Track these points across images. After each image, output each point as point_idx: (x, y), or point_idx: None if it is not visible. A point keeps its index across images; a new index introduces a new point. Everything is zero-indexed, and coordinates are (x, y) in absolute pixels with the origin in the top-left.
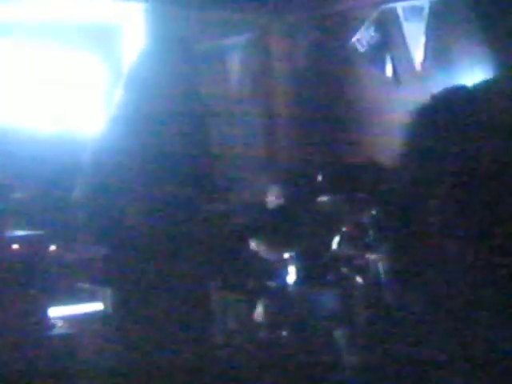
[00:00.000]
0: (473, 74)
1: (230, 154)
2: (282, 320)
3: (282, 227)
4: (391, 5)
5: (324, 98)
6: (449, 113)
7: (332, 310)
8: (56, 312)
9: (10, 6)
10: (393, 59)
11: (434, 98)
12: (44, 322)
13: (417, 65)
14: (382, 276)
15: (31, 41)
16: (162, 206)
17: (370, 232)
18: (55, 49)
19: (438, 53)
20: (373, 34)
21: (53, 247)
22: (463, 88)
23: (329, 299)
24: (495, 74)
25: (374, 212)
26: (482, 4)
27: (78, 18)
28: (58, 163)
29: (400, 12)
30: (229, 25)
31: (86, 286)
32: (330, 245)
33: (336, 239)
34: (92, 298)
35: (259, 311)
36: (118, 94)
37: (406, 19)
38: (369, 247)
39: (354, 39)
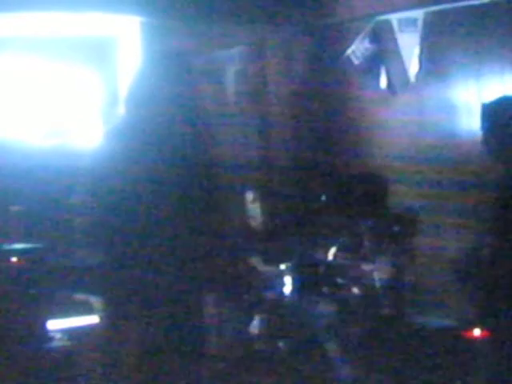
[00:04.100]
0: (467, 84)
1: (227, 166)
2: (279, 331)
3: (277, 240)
4: (386, 16)
5: (319, 110)
6: None
7: (328, 320)
8: (54, 325)
9: (5, 20)
10: (387, 70)
11: None
12: (42, 335)
13: (411, 76)
14: (378, 286)
15: (27, 55)
16: (160, 218)
17: (366, 243)
18: (51, 63)
19: (433, 64)
20: (368, 45)
21: (51, 259)
22: None
23: (325, 309)
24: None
25: (369, 223)
26: None
27: (74, 32)
28: (55, 176)
29: (394, 23)
30: (225, 37)
31: (84, 297)
32: (326, 255)
33: (332, 250)
34: (89, 310)
35: (256, 322)
36: (118, 109)
37: (401, 31)
38: (364, 258)
39: (348, 51)
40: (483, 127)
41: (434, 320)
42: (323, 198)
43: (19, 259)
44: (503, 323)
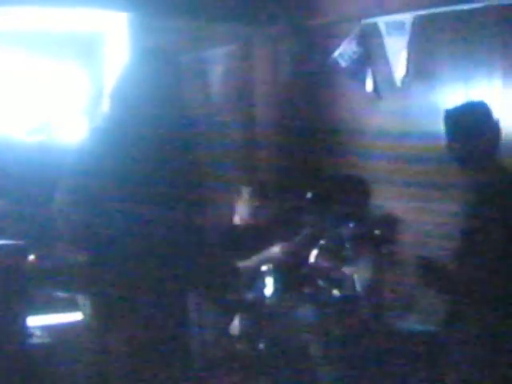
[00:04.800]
0: (455, 88)
1: (212, 165)
2: (259, 332)
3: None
4: (373, 19)
5: (305, 111)
6: None
7: (309, 322)
8: (34, 321)
9: None
10: (373, 74)
11: None
12: (22, 332)
13: (397, 80)
14: (358, 289)
15: (12, 50)
16: (144, 216)
17: (347, 245)
18: (36, 58)
19: (420, 68)
20: (355, 48)
21: (32, 257)
22: None
23: (305, 311)
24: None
25: (351, 225)
26: None
27: (60, 28)
28: (39, 172)
29: (382, 27)
30: (212, 36)
31: (65, 295)
32: (307, 257)
33: (314, 252)
34: (71, 307)
35: (236, 323)
36: (104, 106)
37: (388, 34)
38: (346, 260)
39: (335, 53)
40: (446, 133)
41: (414, 323)
42: (308, 197)
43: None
44: (469, 327)
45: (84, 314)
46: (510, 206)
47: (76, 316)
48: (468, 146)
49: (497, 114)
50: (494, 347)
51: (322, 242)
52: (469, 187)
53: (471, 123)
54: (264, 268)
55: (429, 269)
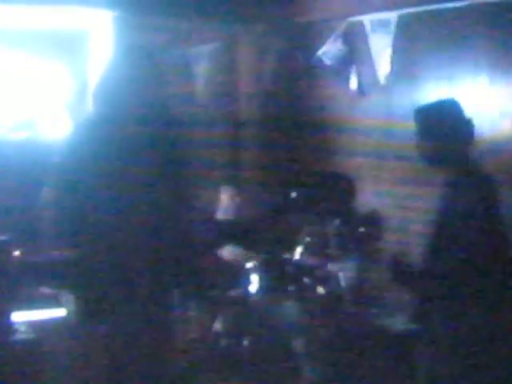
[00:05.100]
0: (437, 88)
1: (195, 162)
2: (244, 329)
3: (245, 237)
4: (358, 17)
5: (289, 108)
6: None
7: (293, 319)
8: (19, 317)
9: None
10: (357, 72)
11: None
12: (7, 327)
13: (381, 78)
14: (344, 287)
15: None
16: (128, 212)
17: (333, 243)
18: (20, 55)
19: (404, 66)
20: (340, 46)
21: (17, 252)
22: None
23: (290, 309)
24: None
25: (336, 223)
26: None
27: (44, 25)
28: (23, 168)
29: (367, 25)
30: (196, 34)
31: (50, 291)
32: (292, 255)
33: (299, 249)
34: (55, 303)
35: (221, 320)
36: (88, 102)
37: (373, 32)
38: (331, 258)
39: (320, 51)
40: (416, 132)
41: (399, 321)
42: (293, 195)
43: None
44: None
45: (68, 310)
46: (479, 206)
47: (60, 312)
48: (437, 144)
49: (480, 111)
50: (464, 343)
51: (307, 239)
52: (441, 186)
53: (439, 121)
54: (249, 265)
55: (398, 266)
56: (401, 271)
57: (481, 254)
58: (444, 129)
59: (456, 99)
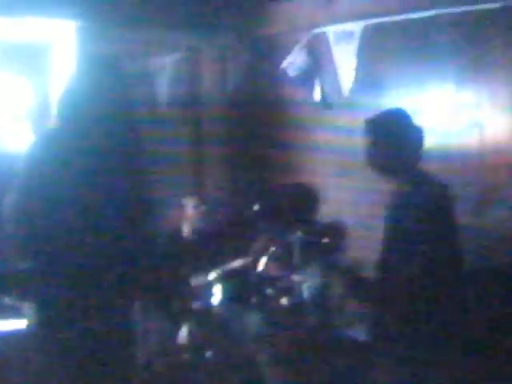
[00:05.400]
0: (403, 99)
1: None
2: (206, 342)
3: (208, 248)
4: (322, 29)
5: (253, 121)
6: None
7: (256, 331)
8: None
9: None
10: (322, 84)
11: None
12: None
13: (345, 90)
14: (307, 297)
15: None
16: (91, 222)
17: (296, 253)
18: None
19: (368, 78)
20: (305, 58)
21: None
22: None
23: (253, 321)
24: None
25: (299, 233)
26: None
27: (5, 37)
28: None
29: (331, 37)
30: (160, 44)
31: (11, 301)
32: (255, 266)
33: (262, 260)
34: (17, 314)
35: (183, 333)
36: (51, 113)
37: (337, 43)
38: (294, 268)
39: (284, 63)
40: (366, 142)
41: (360, 330)
42: (256, 207)
43: None
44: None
45: (29, 321)
46: (427, 218)
47: (21, 323)
48: (385, 155)
49: (447, 120)
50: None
51: (270, 250)
52: (390, 196)
53: (387, 131)
54: (211, 277)
55: (351, 279)
56: (354, 284)
57: (433, 262)
58: (391, 138)
59: (404, 109)
